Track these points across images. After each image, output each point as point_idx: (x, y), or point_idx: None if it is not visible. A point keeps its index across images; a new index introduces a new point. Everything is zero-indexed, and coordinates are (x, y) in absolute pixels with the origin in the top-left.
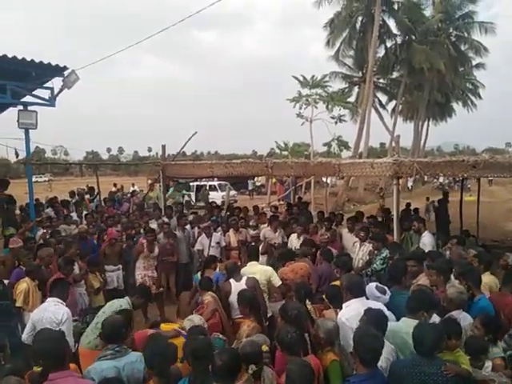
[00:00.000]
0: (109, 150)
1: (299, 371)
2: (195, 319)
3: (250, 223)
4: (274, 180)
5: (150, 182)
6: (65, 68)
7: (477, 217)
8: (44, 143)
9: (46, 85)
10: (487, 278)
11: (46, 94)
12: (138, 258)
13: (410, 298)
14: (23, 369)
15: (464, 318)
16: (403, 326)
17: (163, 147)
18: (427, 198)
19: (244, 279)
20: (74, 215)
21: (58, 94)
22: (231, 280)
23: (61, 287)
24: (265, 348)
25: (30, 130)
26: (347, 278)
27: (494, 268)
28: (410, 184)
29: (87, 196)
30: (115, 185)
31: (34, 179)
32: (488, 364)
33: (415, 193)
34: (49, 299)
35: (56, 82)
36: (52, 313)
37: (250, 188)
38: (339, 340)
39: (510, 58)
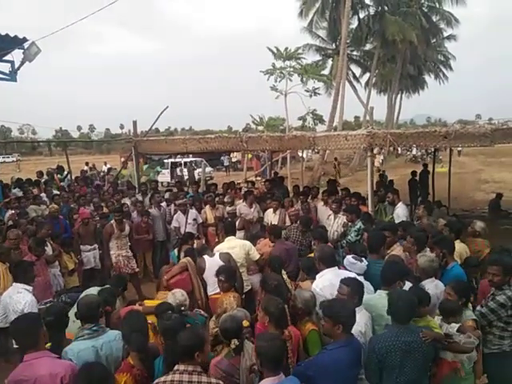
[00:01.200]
0: (79, 128)
1: (268, 346)
2: (177, 294)
3: (225, 199)
4: (250, 156)
5: (122, 159)
6: (24, 39)
7: (448, 187)
8: (8, 121)
9: (5, 58)
10: (457, 246)
11: (6, 68)
12: (109, 238)
13: (383, 270)
14: None
15: (437, 286)
16: (378, 299)
17: (134, 123)
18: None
19: (217, 255)
20: (44, 195)
21: (19, 68)
22: (205, 256)
23: (23, 270)
24: (246, 323)
25: None
26: (319, 249)
27: (464, 236)
28: (379, 160)
29: (58, 176)
30: (87, 163)
31: (0, 160)
32: (454, 325)
33: (390, 165)
34: (14, 285)
35: (16, 56)
36: (14, 301)
37: (225, 164)
38: (316, 310)
39: (480, 30)
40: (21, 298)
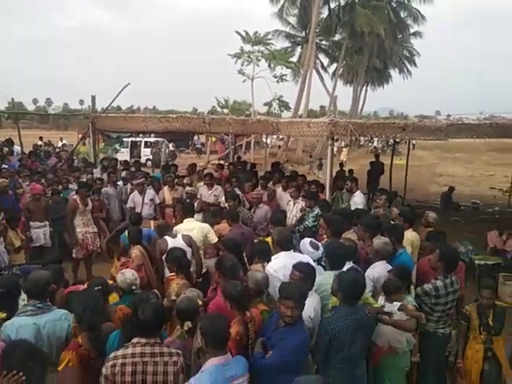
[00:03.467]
0: (35, 100)
1: (212, 325)
2: (127, 274)
3: (184, 181)
4: (214, 139)
5: (80, 136)
6: None
7: (405, 179)
8: None
9: None
10: (410, 235)
11: None
12: (74, 214)
13: (329, 252)
14: None
15: (386, 268)
16: (326, 278)
17: (93, 98)
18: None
19: (179, 236)
20: None
21: None
22: (167, 237)
23: None
24: (199, 303)
25: None
26: (278, 232)
27: (417, 225)
28: (344, 158)
29: (5, 149)
30: (41, 138)
31: None
32: (396, 303)
33: (351, 155)
34: None
35: None
36: None
37: (198, 146)
38: (267, 290)
39: (443, 28)
40: None
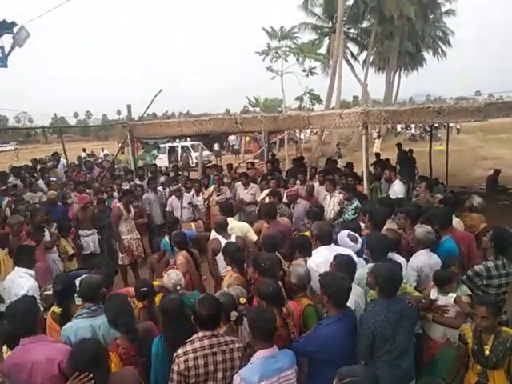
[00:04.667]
0: (76, 114)
1: (259, 319)
2: (172, 275)
3: (224, 180)
4: (248, 138)
5: (120, 145)
6: (13, 24)
7: (446, 165)
8: (4, 108)
9: None
10: (453, 221)
11: None
12: (118, 222)
13: (370, 244)
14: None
15: (430, 257)
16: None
17: (129, 107)
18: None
19: (233, 238)
20: (41, 182)
21: (9, 53)
22: (220, 237)
23: (26, 254)
24: (242, 300)
25: None
26: (317, 227)
27: (460, 211)
28: (378, 145)
29: (50, 163)
30: (84, 150)
31: None
32: (452, 295)
33: (388, 144)
34: (16, 269)
35: (6, 41)
36: (16, 285)
37: (236, 148)
38: (311, 285)
39: (479, 4)
40: (23, 283)
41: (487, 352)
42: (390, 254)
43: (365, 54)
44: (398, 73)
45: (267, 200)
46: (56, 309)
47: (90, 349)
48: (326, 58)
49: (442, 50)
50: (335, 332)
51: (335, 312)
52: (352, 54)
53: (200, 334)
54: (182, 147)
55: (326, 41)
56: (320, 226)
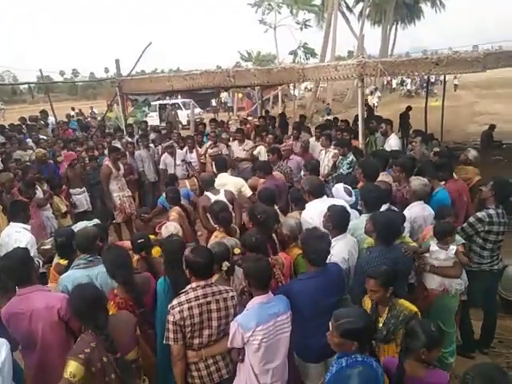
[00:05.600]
0: (62, 72)
1: (254, 266)
2: (170, 227)
3: (223, 136)
4: (240, 95)
5: (109, 103)
6: None
7: (441, 121)
8: None
9: None
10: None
11: None
12: (108, 180)
13: (364, 195)
14: None
15: (424, 208)
16: (363, 221)
17: (117, 62)
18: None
19: (222, 192)
20: (30, 141)
21: None
22: (209, 193)
23: (19, 208)
24: (237, 251)
25: None
26: (307, 182)
27: (455, 164)
28: (375, 101)
29: (40, 122)
30: (73, 109)
31: None
32: (453, 247)
33: (384, 100)
34: (11, 224)
35: None
36: (14, 240)
37: (229, 105)
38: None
39: None
40: (21, 237)
41: (380, 325)
42: (384, 205)
43: (361, 5)
44: (394, 26)
45: (265, 157)
46: (62, 261)
47: (89, 291)
48: (321, 10)
49: (441, 1)
50: (308, 288)
51: (312, 269)
52: (347, 6)
53: (193, 284)
54: (172, 105)
55: None
56: (310, 181)
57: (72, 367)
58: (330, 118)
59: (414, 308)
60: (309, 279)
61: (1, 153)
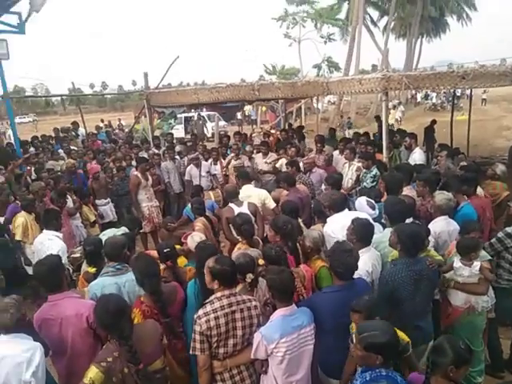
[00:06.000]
0: (92, 85)
1: (278, 278)
2: (195, 238)
3: (247, 149)
4: (264, 108)
5: (136, 114)
6: None
7: (467, 135)
8: (21, 75)
9: (12, 9)
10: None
11: (13, 20)
12: (137, 190)
13: (387, 209)
14: (28, 294)
15: (448, 223)
16: (386, 235)
17: (145, 75)
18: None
19: (245, 204)
20: (61, 152)
21: (26, 19)
22: (232, 205)
23: (52, 216)
24: (261, 262)
25: (3, 62)
26: (325, 198)
27: (483, 179)
28: (398, 115)
29: (71, 134)
30: (102, 120)
31: (17, 120)
32: (477, 263)
33: (408, 114)
34: (44, 231)
35: (23, 7)
36: (46, 247)
37: (253, 118)
38: (325, 248)
39: None
40: (53, 244)
41: None
42: (408, 220)
43: (385, 19)
44: (419, 40)
45: (284, 169)
46: (90, 269)
47: (113, 302)
48: (345, 24)
49: (467, 15)
50: (333, 302)
51: (338, 283)
52: (372, 20)
53: (218, 294)
54: (199, 116)
55: (346, 5)
56: (328, 196)
57: (92, 373)
58: (350, 132)
59: (405, 338)
60: (334, 292)
61: (34, 163)
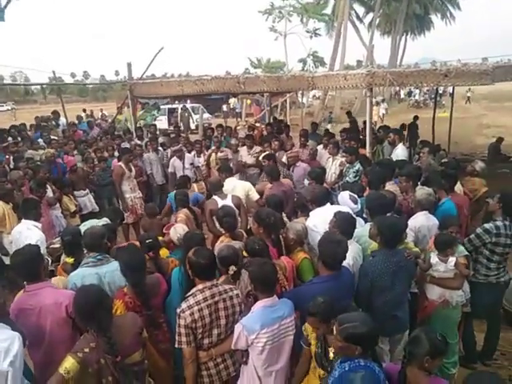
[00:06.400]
0: (73, 74)
1: (260, 270)
2: (179, 229)
3: (232, 142)
4: (249, 102)
5: (118, 105)
6: None
7: (449, 132)
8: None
9: None
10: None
11: None
12: (121, 180)
13: (368, 203)
14: (5, 285)
15: (428, 218)
16: (367, 229)
17: (129, 66)
18: None
19: (229, 197)
20: (41, 141)
21: (5, 6)
22: (216, 197)
23: (31, 206)
24: (244, 254)
25: None
26: (307, 193)
27: (462, 175)
28: (382, 112)
29: (51, 123)
30: (84, 110)
31: None
32: (452, 259)
33: (391, 111)
34: (22, 221)
35: None
36: (24, 237)
37: (238, 111)
38: (308, 240)
39: None
40: (32, 235)
41: (332, 355)
42: (388, 214)
43: (371, 15)
44: (404, 37)
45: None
46: (68, 259)
47: (93, 292)
48: (331, 19)
49: (451, 14)
50: (322, 292)
51: (326, 273)
52: (358, 16)
53: (200, 286)
54: (182, 109)
55: (332, 1)
56: (310, 191)
57: (68, 363)
58: (329, 126)
59: None
60: (324, 283)
61: (13, 152)
